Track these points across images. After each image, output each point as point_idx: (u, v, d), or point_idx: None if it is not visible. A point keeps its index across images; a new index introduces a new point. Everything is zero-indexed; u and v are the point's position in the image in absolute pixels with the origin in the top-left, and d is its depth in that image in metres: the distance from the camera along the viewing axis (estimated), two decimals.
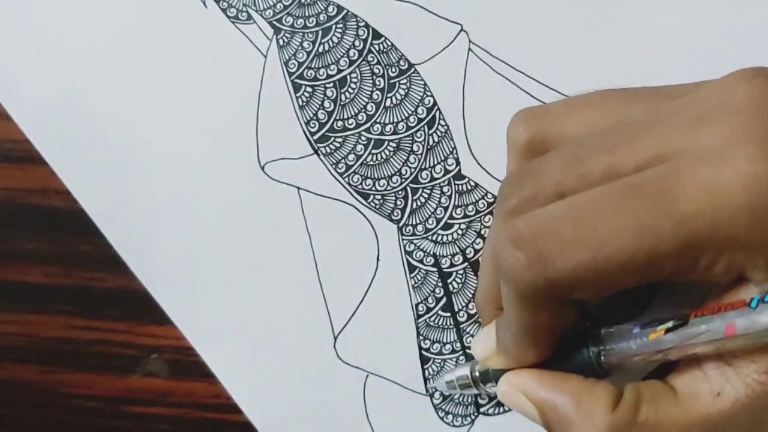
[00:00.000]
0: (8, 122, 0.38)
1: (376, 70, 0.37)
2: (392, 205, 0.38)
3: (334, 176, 0.38)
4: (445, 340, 0.38)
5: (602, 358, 0.29)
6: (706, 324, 0.26)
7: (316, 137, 0.37)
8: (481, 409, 0.38)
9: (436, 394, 0.38)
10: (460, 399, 0.38)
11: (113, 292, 0.38)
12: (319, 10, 0.37)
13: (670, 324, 0.26)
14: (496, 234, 0.31)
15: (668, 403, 0.27)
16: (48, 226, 0.39)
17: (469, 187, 0.37)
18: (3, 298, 0.39)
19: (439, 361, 0.38)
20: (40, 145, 0.38)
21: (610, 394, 0.28)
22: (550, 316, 0.28)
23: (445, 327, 0.38)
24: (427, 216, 0.38)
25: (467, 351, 0.38)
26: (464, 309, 0.38)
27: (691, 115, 0.26)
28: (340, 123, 0.37)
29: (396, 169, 0.37)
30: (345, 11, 0.37)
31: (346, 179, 0.37)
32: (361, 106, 0.37)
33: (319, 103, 0.37)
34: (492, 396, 0.36)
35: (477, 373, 0.34)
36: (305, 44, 0.37)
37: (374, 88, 0.37)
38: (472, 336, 0.38)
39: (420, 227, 0.38)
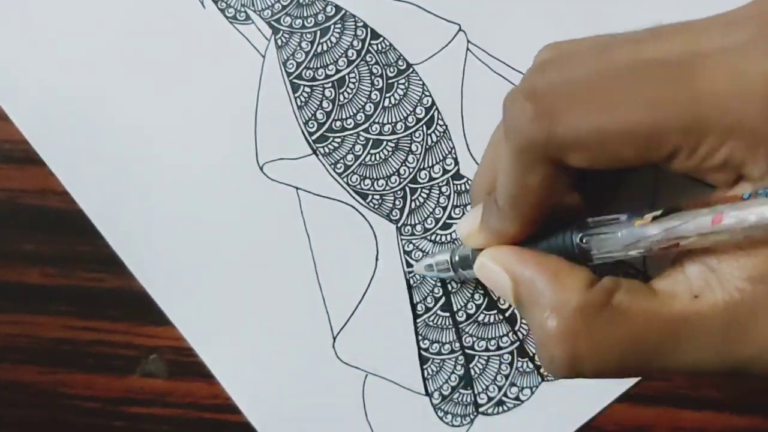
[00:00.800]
0: (7, 123, 0.38)
1: (375, 70, 0.37)
2: (391, 205, 0.38)
3: (332, 176, 0.38)
4: (444, 340, 0.38)
5: (584, 243, 0.28)
6: (694, 215, 0.25)
7: (314, 137, 0.37)
8: (480, 409, 0.38)
9: (435, 394, 0.38)
10: (460, 399, 0.38)
11: (112, 293, 0.38)
12: (318, 10, 0.37)
13: (658, 212, 0.26)
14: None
15: (645, 296, 0.26)
16: (47, 226, 0.39)
17: (468, 187, 0.37)
18: (2, 298, 0.39)
19: (438, 360, 0.38)
20: (38, 145, 0.38)
21: (588, 277, 0.27)
22: (541, 179, 0.27)
23: (444, 327, 0.38)
24: (425, 216, 0.38)
25: (466, 351, 0.38)
26: (463, 309, 0.38)
27: (721, 21, 0.26)
28: (338, 123, 0.37)
29: (395, 169, 0.37)
30: (343, 11, 0.37)
31: (345, 179, 0.37)
32: (360, 106, 0.37)
33: (318, 103, 0.37)
34: (467, 279, 0.36)
35: (457, 258, 0.34)
36: (304, 44, 0.37)
37: (373, 88, 0.37)
38: (470, 336, 0.38)
39: (419, 227, 0.38)
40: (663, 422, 0.38)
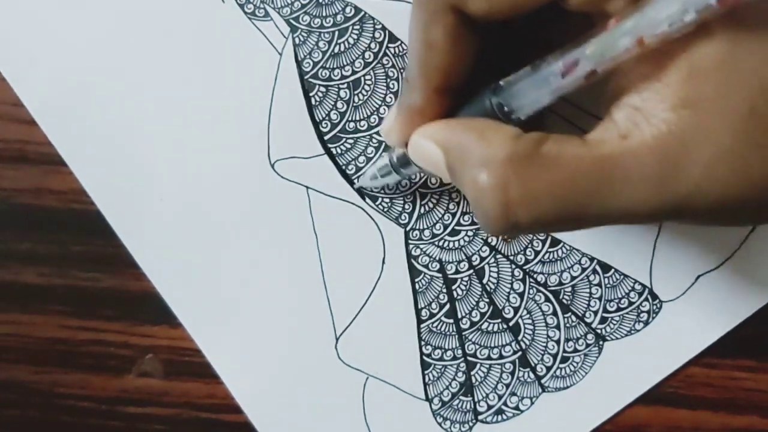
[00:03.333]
0: (0, 121, 0.38)
1: (391, 74, 0.37)
2: (400, 209, 0.38)
3: (343, 177, 0.37)
4: (446, 347, 0.38)
5: (500, 100, 0.28)
6: (589, 37, 0.25)
7: (327, 137, 0.37)
8: (480, 417, 0.38)
9: (435, 400, 0.38)
10: (459, 405, 0.38)
11: (107, 292, 0.38)
12: (337, 11, 0.37)
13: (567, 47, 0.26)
14: None
15: (574, 143, 0.26)
16: (42, 226, 0.38)
17: None
18: None
19: (440, 366, 0.38)
20: (52, 135, 0.38)
21: (515, 131, 0.27)
22: (444, 33, 0.27)
23: (448, 333, 0.38)
24: (434, 221, 0.38)
25: (468, 358, 0.38)
26: (467, 316, 0.38)
27: None
28: (352, 124, 0.37)
29: (405, 174, 0.37)
30: (362, 13, 0.37)
31: (356, 181, 0.37)
32: (374, 109, 0.37)
33: (332, 103, 0.37)
34: (413, 179, 0.36)
35: (395, 158, 0.34)
36: (321, 44, 0.37)
37: (388, 91, 0.37)
38: (473, 343, 0.38)
39: (427, 232, 0.38)
40: (659, 422, 0.38)
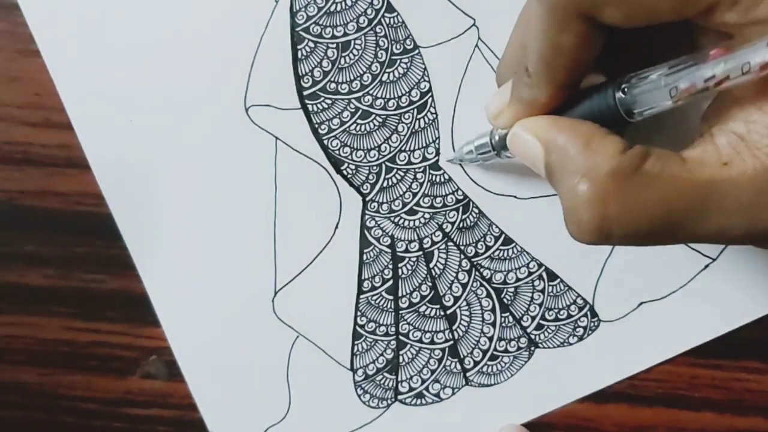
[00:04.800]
0: (5, 123, 0.38)
1: (381, 43, 0.37)
2: (364, 178, 0.38)
3: (314, 136, 0.37)
4: (381, 322, 0.38)
5: (626, 96, 0.28)
6: (735, 53, 0.25)
7: (306, 93, 0.37)
8: (399, 397, 0.38)
9: (359, 372, 0.38)
10: (382, 382, 0.38)
11: (112, 294, 0.38)
12: None
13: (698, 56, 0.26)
14: None
15: (676, 162, 0.26)
16: (46, 228, 0.38)
17: (443, 180, 0.37)
18: (1, 299, 0.39)
19: (371, 340, 0.38)
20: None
21: (620, 143, 0.27)
22: (575, 38, 0.27)
23: (385, 309, 0.38)
24: (394, 197, 0.38)
25: (400, 337, 0.38)
26: (408, 296, 0.38)
27: None
28: (333, 85, 0.37)
29: (376, 144, 0.37)
30: None
31: (326, 141, 0.37)
32: (358, 74, 0.37)
33: (318, 60, 0.37)
34: (506, 157, 0.35)
35: (497, 138, 0.33)
36: None
37: (375, 60, 0.37)
38: (408, 324, 0.38)
39: (385, 206, 0.38)
40: (662, 423, 0.38)
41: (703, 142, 0.27)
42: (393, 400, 0.38)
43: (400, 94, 0.37)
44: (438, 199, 0.38)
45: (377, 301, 0.38)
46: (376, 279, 0.38)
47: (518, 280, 0.38)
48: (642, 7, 0.26)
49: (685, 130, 0.31)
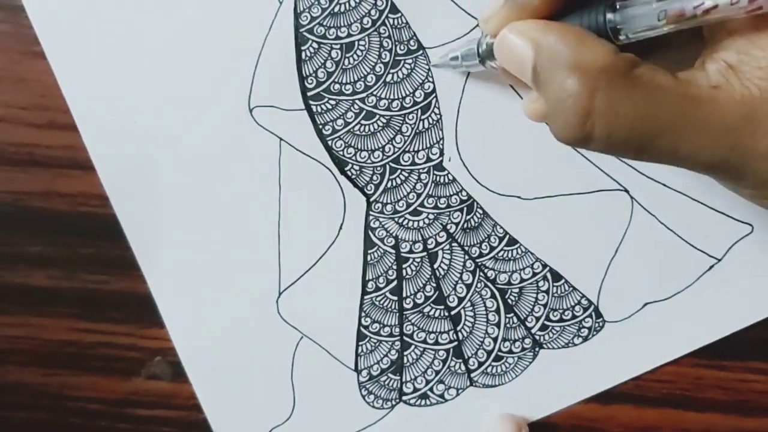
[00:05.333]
0: (10, 124, 0.38)
1: (385, 44, 0.37)
2: (368, 179, 0.38)
3: (318, 136, 0.37)
4: (385, 322, 0.38)
5: (614, 17, 0.27)
6: None
7: (310, 94, 0.37)
8: (404, 398, 0.38)
9: (364, 372, 0.38)
10: (386, 382, 0.38)
11: (116, 295, 0.38)
12: None
13: None
14: None
15: (666, 75, 0.26)
16: (51, 229, 0.38)
17: (447, 180, 0.37)
18: (6, 300, 0.39)
19: (375, 341, 0.38)
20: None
21: (612, 47, 0.27)
22: None
23: (389, 309, 0.38)
24: (399, 198, 0.38)
25: (405, 338, 0.38)
26: (412, 297, 0.38)
27: None
28: (337, 86, 0.37)
29: (380, 145, 0.37)
30: None
31: (330, 142, 0.37)
32: (362, 75, 0.37)
33: (322, 61, 0.37)
34: (490, 67, 0.34)
35: (484, 46, 0.33)
36: (322, 0, 0.37)
37: (379, 61, 0.37)
38: (412, 324, 0.38)
39: (389, 207, 0.38)
40: (668, 424, 0.38)
41: (694, 69, 0.27)
42: (397, 400, 0.38)
43: (404, 95, 0.37)
44: (442, 200, 0.38)
45: (381, 302, 0.38)
46: (380, 280, 0.38)
47: (523, 280, 0.38)
48: None
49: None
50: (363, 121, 0.37)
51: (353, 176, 0.38)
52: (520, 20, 0.29)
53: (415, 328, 0.38)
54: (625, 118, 0.26)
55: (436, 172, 0.37)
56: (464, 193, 0.37)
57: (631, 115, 0.26)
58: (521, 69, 0.29)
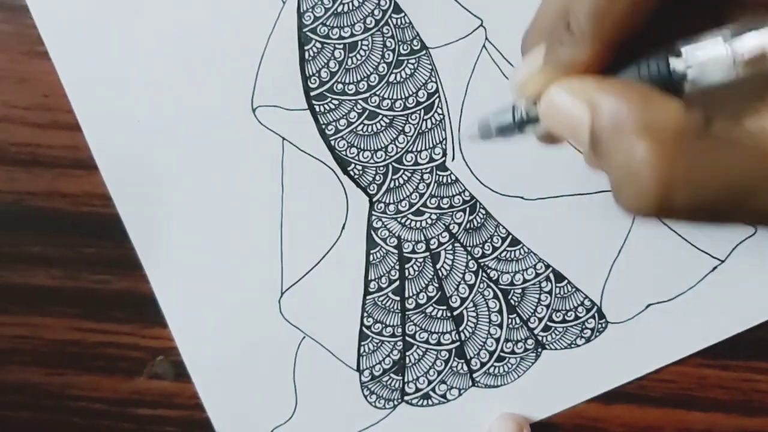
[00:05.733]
0: (12, 124, 0.38)
1: (389, 44, 0.37)
2: (370, 179, 0.38)
3: (321, 136, 0.37)
4: (388, 322, 0.38)
5: (681, 63, 0.24)
6: None
7: (314, 94, 0.37)
8: (406, 398, 0.38)
9: (366, 372, 0.38)
10: (388, 383, 0.38)
11: (118, 294, 0.38)
12: None
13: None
14: None
15: (743, 130, 0.24)
16: (54, 229, 0.38)
17: (450, 180, 0.37)
18: (8, 300, 0.39)
19: (377, 341, 0.38)
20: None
21: (682, 104, 0.24)
22: None
23: (392, 309, 0.38)
24: (401, 198, 0.38)
25: (407, 338, 0.38)
26: (414, 297, 0.38)
27: None
28: (340, 86, 0.37)
29: (383, 145, 0.37)
30: None
31: (333, 142, 0.37)
32: (365, 75, 0.37)
33: (325, 61, 0.37)
34: (529, 134, 0.29)
35: (523, 113, 0.27)
36: (326, 0, 0.37)
37: (382, 61, 0.37)
38: (414, 325, 0.38)
39: (392, 207, 0.38)
40: (670, 423, 0.38)
41: (763, 114, 0.24)
42: (399, 400, 0.38)
43: (407, 95, 0.37)
44: (445, 200, 0.37)
45: (384, 302, 0.38)
46: (383, 280, 0.38)
47: (525, 281, 0.38)
48: None
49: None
50: (366, 121, 0.37)
51: (356, 176, 0.37)
52: (569, 78, 0.26)
53: (418, 329, 0.38)
54: (709, 184, 0.23)
55: (438, 172, 0.37)
56: (467, 193, 0.37)
57: (715, 179, 0.23)
58: (576, 134, 0.26)
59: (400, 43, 0.37)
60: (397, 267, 0.38)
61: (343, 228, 0.38)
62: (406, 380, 0.38)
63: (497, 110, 0.29)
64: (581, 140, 0.25)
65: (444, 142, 0.37)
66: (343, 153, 0.37)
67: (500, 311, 0.38)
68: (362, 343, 0.38)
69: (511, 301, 0.38)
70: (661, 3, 0.25)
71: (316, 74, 0.37)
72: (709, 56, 0.24)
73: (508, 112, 0.28)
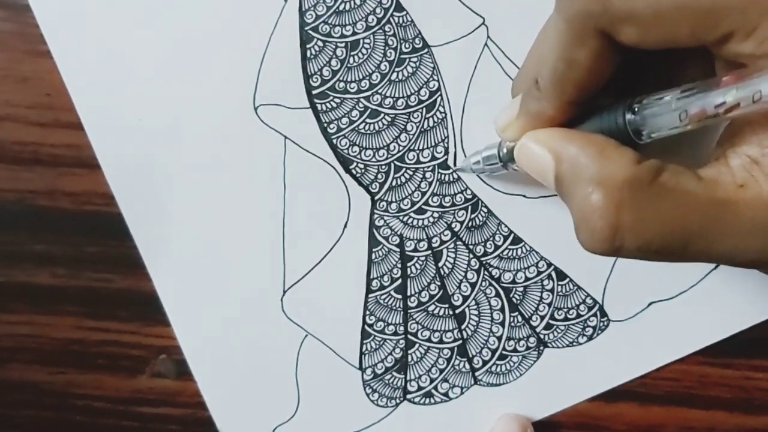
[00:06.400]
0: (14, 123, 0.38)
1: (390, 42, 0.37)
2: (372, 177, 0.38)
3: (323, 135, 0.37)
4: (390, 321, 0.38)
5: (636, 117, 0.27)
6: (751, 81, 0.24)
7: (315, 92, 0.37)
8: (408, 396, 0.38)
9: (368, 371, 0.38)
10: (390, 381, 0.38)
11: (121, 293, 0.38)
12: None
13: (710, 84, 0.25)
14: None
15: (692, 179, 0.26)
16: (56, 227, 0.38)
17: (451, 179, 0.37)
18: (11, 299, 0.39)
19: (379, 339, 0.38)
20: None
21: (635, 155, 0.27)
22: (589, 53, 0.27)
23: (394, 308, 0.38)
24: (403, 196, 0.38)
25: (409, 336, 0.38)
26: (417, 295, 0.38)
27: None
28: (342, 84, 0.37)
29: (385, 144, 0.37)
30: None
31: (335, 141, 0.37)
32: (367, 73, 0.37)
33: (327, 59, 0.37)
34: (513, 170, 0.34)
35: (505, 151, 0.33)
36: None
37: (384, 59, 0.37)
38: (417, 323, 0.38)
39: (394, 205, 0.38)
40: (673, 422, 0.38)
41: (718, 164, 0.27)
42: (401, 399, 0.38)
43: (409, 93, 0.37)
44: (447, 199, 0.37)
45: (386, 300, 0.38)
46: (385, 278, 0.38)
47: (527, 279, 0.38)
48: (659, 30, 0.26)
49: (697, 155, 0.30)
50: (368, 120, 0.37)
51: (358, 174, 0.38)
52: (538, 129, 0.30)
53: (420, 327, 0.38)
54: (654, 229, 0.26)
55: (440, 171, 0.37)
56: (469, 191, 0.37)
57: (660, 225, 0.26)
58: (544, 178, 0.29)
59: (401, 41, 0.37)
60: (399, 265, 0.38)
61: (345, 226, 0.38)
62: (408, 378, 0.38)
63: (486, 147, 0.35)
64: (548, 183, 0.29)
65: (446, 140, 0.37)
66: (345, 151, 0.37)
67: (502, 309, 0.38)
68: (364, 341, 0.38)
69: (513, 300, 0.38)
70: (618, 68, 0.28)
71: (318, 73, 0.37)
72: (659, 112, 0.27)
73: (494, 150, 0.34)
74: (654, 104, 0.27)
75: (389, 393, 0.38)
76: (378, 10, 0.37)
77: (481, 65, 0.37)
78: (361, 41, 0.37)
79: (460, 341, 0.38)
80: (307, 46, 0.37)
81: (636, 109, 0.27)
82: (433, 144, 0.37)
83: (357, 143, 0.37)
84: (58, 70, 0.37)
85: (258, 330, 0.38)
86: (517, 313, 0.38)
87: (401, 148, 0.37)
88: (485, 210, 0.37)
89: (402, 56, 0.37)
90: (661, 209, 0.26)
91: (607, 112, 0.28)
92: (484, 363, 0.38)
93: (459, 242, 0.38)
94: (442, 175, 0.37)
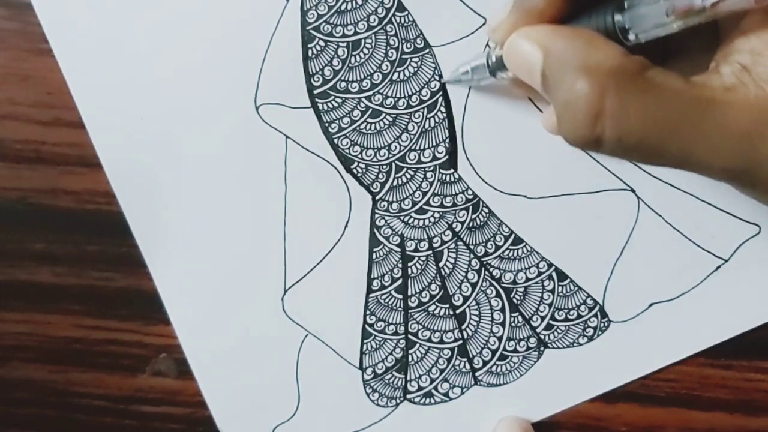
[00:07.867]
0: (16, 122, 0.38)
1: (392, 42, 0.37)
2: (373, 177, 0.38)
3: (324, 134, 0.37)
4: (390, 321, 0.38)
5: (624, 19, 0.27)
6: None
7: (317, 92, 0.37)
8: (408, 396, 0.38)
9: (368, 370, 0.38)
10: (391, 381, 0.38)
11: (122, 292, 0.39)
12: None
13: None
14: None
15: (678, 78, 0.26)
16: (57, 226, 0.38)
17: (453, 179, 0.37)
18: (12, 297, 0.39)
19: (380, 339, 0.38)
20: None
21: (623, 49, 0.26)
22: None
23: (394, 308, 0.38)
24: (404, 196, 0.38)
25: (409, 336, 0.38)
26: (417, 295, 0.38)
27: None
28: (343, 84, 0.37)
29: (386, 143, 0.37)
30: None
31: (336, 140, 0.37)
32: (368, 73, 0.37)
33: (328, 59, 0.37)
34: (501, 79, 0.34)
35: (494, 59, 0.33)
36: None
37: (385, 59, 0.37)
38: (417, 323, 0.38)
39: (395, 205, 0.38)
40: (673, 423, 0.38)
41: (709, 72, 0.27)
42: (402, 399, 0.38)
43: (410, 93, 0.37)
44: (448, 199, 0.37)
45: (386, 300, 0.38)
46: (386, 278, 0.38)
47: (528, 279, 0.38)
48: None
49: None
50: (369, 119, 0.37)
51: (359, 174, 0.38)
52: (529, 25, 0.29)
53: (420, 327, 0.38)
54: (636, 120, 0.25)
55: (442, 171, 0.37)
56: (470, 191, 0.37)
57: (642, 117, 0.25)
58: (531, 74, 0.28)
59: (403, 41, 0.37)
60: (400, 265, 0.38)
61: (346, 226, 0.38)
62: (408, 378, 0.38)
63: (474, 55, 0.34)
64: (535, 79, 0.28)
65: (447, 141, 0.37)
66: (346, 151, 0.37)
67: (503, 310, 0.38)
68: (365, 341, 0.38)
69: (514, 300, 0.38)
70: None
71: (320, 72, 0.37)
72: (648, 11, 0.27)
73: (483, 57, 0.34)
74: (642, 2, 0.27)
75: (389, 393, 0.38)
76: (380, 10, 0.37)
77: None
78: (363, 41, 0.37)
79: (461, 341, 0.38)
80: (309, 45, 0.37)
81: (626, 7, 0.27)
82: (434, 144, 0.37)
83: (358, 143, 0.37)
84: (60, 69, 0.37)
85: (258, 329, 0.38)
86: (517, 313, 0.38)
87: (402, 148, 0.37)
88: (486, 210, 0.37)
89: (403, 56, 0.37)
90: (645, 101, 0.25)
91: (596, 13, 0.28)
92: (485, 363, 0.38)
93: (460, 242, 0.38)
94: (443, 175, 0.37)
